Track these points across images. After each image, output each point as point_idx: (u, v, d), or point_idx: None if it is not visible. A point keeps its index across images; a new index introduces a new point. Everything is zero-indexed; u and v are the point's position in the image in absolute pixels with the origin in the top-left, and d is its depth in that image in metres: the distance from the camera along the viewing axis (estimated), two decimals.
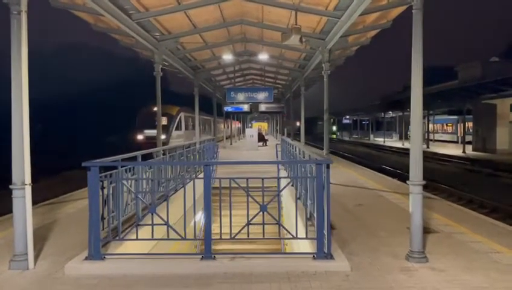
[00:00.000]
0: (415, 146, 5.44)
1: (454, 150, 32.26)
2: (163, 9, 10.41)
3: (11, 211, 5.33)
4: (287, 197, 10.69)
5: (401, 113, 48.86)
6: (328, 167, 5.27)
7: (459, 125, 41.20)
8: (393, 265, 5.20)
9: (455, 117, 42.57)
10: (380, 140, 54.80)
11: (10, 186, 5.14)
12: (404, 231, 6.41)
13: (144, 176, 7.66)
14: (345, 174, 15.01)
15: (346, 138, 77.05)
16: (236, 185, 5.42)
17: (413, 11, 5.31)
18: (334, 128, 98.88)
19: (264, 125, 72.93)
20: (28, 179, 5.17)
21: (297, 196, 8.43)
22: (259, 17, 12.57)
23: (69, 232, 7.00)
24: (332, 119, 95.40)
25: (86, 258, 5.18)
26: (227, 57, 16.97)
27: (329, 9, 10.35)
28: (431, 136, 42.47)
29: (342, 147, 52.63)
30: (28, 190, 5.18)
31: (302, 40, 10.67)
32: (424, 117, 39.93)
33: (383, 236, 6.57)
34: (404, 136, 45.41)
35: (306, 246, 6.19)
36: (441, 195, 15.10)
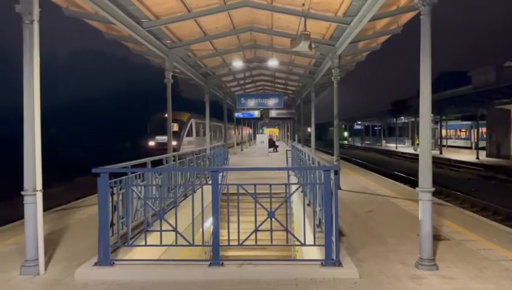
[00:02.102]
0: (424, 152, 5.39)
1: (468, 156, 31.84)
2: (173, 17, 10.51)
3: (23, 217, 5.41)
4: (298, 204, 10.66)
5: (413, 119, 48.44)
6: (336, 173, 5.25)
7: (472, 131, 40.71)
8: (402, 273, 5.14)
9: (469, 123, 42.07)
10: (392, 146, 54.43)
11: (22, 193, 5.21)
12: (414, 238, 6.34)
13: (154, 182, 7.71)
14: (356, 181, 14.93)
15: (358, 144, 76.62)
16: (244, 192, 5.42)
17: (421, 17, 5.29)
18: (346, 134, 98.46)
19: (275, 132, 72.89)
20: (39, 185, 5.24)
21: (307, 202, 8.40)
22: (269, 24, 12.61)
23: (80, 237, 7.06)
24: (344, 125, 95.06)
25: (96, 264, 5.22)
26: (238, 63, 17.04)
27: (339, 15, 10.34)
28: (444, 142, 41.99)
29: (353, 153, 52.41)
30: (39, 196, 5.24)
31: (312, 47, 10.66)
32: (436, 123, 39.65)
33: (392, 243, 6.51)
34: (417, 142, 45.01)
35: (315, 252, 6.15)
36: (453, 202, 14.93)
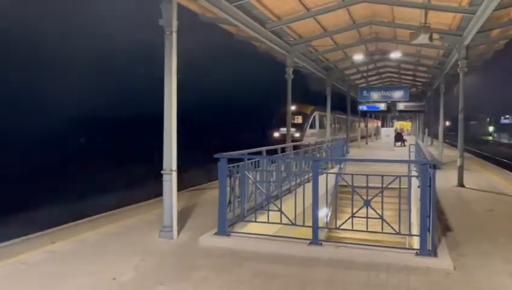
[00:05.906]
0: None
1: None
2: (294, 17, 11.24)
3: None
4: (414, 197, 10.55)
5: None
6: (434, 167, 5.40)
7: None
8: (502, 269, 5.10)
9: None
10: None
11: (161, 172, 6.49)
12: None
13: (269, 168, 8.55)
14: (486, 179, 13.92)
15: (505, 140, 68.51)
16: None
17: None
18: (491, 129, 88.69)
19: (406, 125, 69.15)
20: (174, 166, 6.47)
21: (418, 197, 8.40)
22: (390, 17, 12.50)
23: (206, 212, 8.28)
24: (488, 119, 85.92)
25: (215, 234, 6.28)
26: (358, 57, 17.09)
27: (463, 5, 9.89)
28: None
29: (496, 150, 47.18)
30: (174, 175, 6.47)
31: (432, 39, 10.38)
32: None
33: (502, 242, 6.30)
34: None
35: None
36: None
